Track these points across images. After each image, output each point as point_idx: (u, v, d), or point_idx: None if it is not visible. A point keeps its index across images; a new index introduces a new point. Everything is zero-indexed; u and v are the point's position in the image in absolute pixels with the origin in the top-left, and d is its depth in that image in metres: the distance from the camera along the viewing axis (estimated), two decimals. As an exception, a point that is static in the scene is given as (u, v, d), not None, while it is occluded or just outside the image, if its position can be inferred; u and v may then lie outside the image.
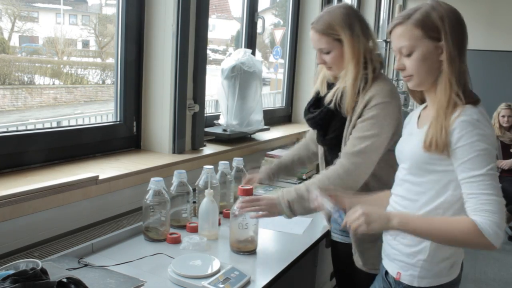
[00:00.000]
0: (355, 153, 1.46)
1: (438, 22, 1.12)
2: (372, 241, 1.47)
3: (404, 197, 1.22)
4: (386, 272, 1.27)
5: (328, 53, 1.54)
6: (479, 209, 1.05)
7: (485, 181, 1.08)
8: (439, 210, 1.15)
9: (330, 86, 1.64)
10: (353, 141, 1.48)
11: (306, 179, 2.30)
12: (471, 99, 1.13)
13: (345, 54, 1.50)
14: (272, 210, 1.43)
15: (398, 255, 1.22)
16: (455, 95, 1.13)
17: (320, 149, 1.76)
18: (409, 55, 1.16)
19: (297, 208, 1.43)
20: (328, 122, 1.61)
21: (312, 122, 1.69)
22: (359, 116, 1.49)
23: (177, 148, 2.03)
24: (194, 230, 1.61)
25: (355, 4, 4.80)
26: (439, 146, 1.10)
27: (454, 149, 1.09)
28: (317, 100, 1.69)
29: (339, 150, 1.55)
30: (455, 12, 1.15)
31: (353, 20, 1.51)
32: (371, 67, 1.51)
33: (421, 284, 1.18)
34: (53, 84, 2.64)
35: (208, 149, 2.20)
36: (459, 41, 1.13)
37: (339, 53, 1.52)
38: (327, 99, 1.58)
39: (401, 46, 1.16)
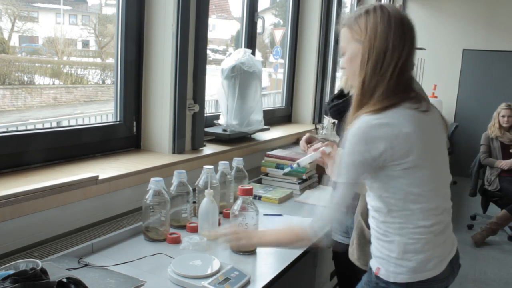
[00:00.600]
0: None
1: (363, 26, 1.18)
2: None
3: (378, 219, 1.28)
4: (370, 268, 1.30)
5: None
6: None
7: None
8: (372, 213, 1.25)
9: None
10: None
11: (306, 180, 2.30)
12: (377, 106, 1.15)
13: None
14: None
15: (377, 252, 1.25)
16: (363, 97, 1.18)
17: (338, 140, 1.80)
18: (344, 55, 1.25)
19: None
20: None
21: (335, 110, 1.72)
22: None
23: (177, 148, 2.03)
24: (194, 230, 1.61)
25: (354, 4, 4.80)
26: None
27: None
28: (341, 95, 1.72)
29: None
30: (392, 19, 1.16)
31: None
32: None
33: (397, 279, 1.19)
34: (53, 84, 2.64)
35: (208, 149, 2.20)
36: (380, 46, 1.15)
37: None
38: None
39: (340, 46, 1.26)
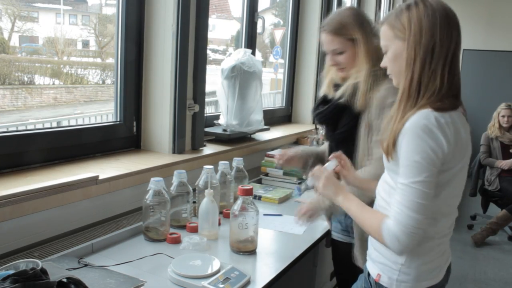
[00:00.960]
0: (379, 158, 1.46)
1: (406, 23, 1.11)
2: None
3: (383, 198, 1.22)
4: (369, 274, 1.27)
5: (341, 53, 1.57)
6: (392, 215, 1.08)
7: (404, 192, 1.07)
8: None
9: (337, 88, 1.65)
10: (376, 144, 1.48)
11: (306, 179, 2.30)
12: (437, 105, 1.08)
13: (359, 52, 1.54)
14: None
15: (379, 257, 1.21)
16: (410, 97, 1.11)
17: (327, 145, 1.79)
18: (386, 53, 1.19)
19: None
20: (338, 117, 1.63)
21: (321, 117, 1.71)
22: (375, 117, 1.49)
23: (177, 148, 2.03)
24: (194, 230, 1.61)
25: (355, 4, 4.81)
26: (389, 151, 1.11)
27: (399, 153, 1.09)
28: (325, 100, 1.71)
29: (347, 145, 1.56)
30: (436, 13, 1.10)
31: (363, 20, 1.57)
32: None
33: (400, 287, 1.17)
34: (53, 84, 2.64)
35: (208, 149, 2.20)
36: (427, 43, 1.09)
37: (352, 53, 1.56)
38: (338, 94, 1.60)
39: (381, 44, 1.20)
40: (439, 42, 1.08)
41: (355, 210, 1.21)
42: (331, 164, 1.40)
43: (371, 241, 1.26)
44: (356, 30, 1.54)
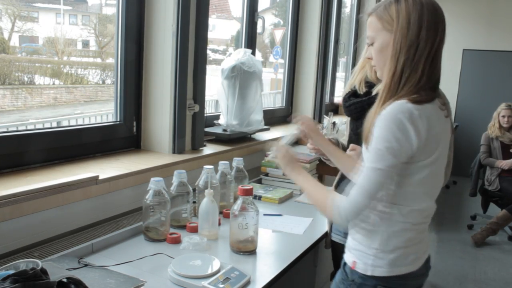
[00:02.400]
0: None
1: (394, 15, 1.13)
2: None
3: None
4: (345, 264, 1.28)
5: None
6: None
7: (362, 173, 1.12)
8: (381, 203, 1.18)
9: (370, 86, 1.64)
10: None
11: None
12: (413, 97, 1.10)
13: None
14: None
15: (355, 245, 1.23)
16: (391, 89, 1.13)
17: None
18: (372, 44, 1.20)
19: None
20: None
21: (357, 106, 1.66)
22: None
23: (177, 148, 2.03)
24: (194, 230, 1.61)
25: (355, 4, 4.81)
26: (367, 139, 1.14)
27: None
28: (355, 94, 1.69)
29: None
30: (425, 7, 1.12)
31: None
32: None
33: (374, 273, 1.18)
34: (53, 84, 2.63)
35: (208, 149, 2.20)
36: (413, 36, 1.11)
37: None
38: (375, 90, 1.58)
39: (367, 35, 1.21)
40: (425, 36, 1.11)
41: (306, 185, 1.28)
42: (286, 138, 1.47)
43: (349, 232, 1.28)
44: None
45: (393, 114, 1.08)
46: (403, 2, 1.13)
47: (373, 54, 1.20)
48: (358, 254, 1.22)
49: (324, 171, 2.57)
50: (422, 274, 1.24)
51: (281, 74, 3.80)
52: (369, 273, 1.19)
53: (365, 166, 1.11)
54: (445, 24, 1.16)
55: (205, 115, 2.26)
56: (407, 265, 1.19)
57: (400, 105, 1.08)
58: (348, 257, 1.26)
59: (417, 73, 1.11)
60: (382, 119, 1.09)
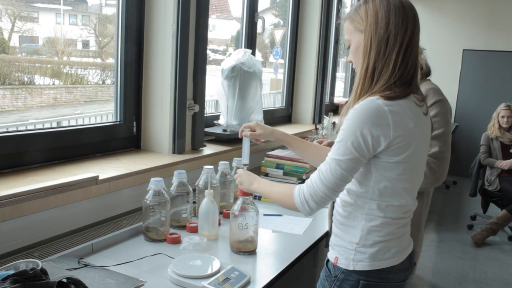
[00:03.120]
0: (436, 155, 1.50)
1: (363, 15, 1.18)
2: None
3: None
4: (327, 261, 1.29)
5: None
6: (309, 178, 1.18)
7: (326, 164, 1.15)
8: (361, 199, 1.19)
9: None
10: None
11: (306, 179, 2.30)
12: (385, 93, 1.12)
13: None
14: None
15: (337, 241, 1.25)
16: (365, 85, 1.16)
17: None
18: (349, 47, 1.25)
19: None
20: None
21: None
22: None
23: (177, 148, 2.03)
24: (194, 230, 1.61)
25: (355, 4, 4.80)
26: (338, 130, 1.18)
27: None
28: None
29: None
30: (391, 4, 1.16)
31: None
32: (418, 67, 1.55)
33: (356, 267, 1.19)
34: (53, 84, 2.64)
35: (208, 149, 2.20)
36: (382, 32, 1.14)
37: None
38: None
39: (345, 39, 1.26)
40: (393, 31, 1.14)
41: (268, 188, 1.34)
42: (240, 160, 1.55)
43: (332, 229, 1.29)
44: None
45: (363, 110, 1.10)
46: (371, 2, 1.18)
47: (351, 55, 1.25)
48: (340, 250, 1.23)
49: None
50: (405, 268, 1.24)
51: (281, 74, 3.80)
52: (351, 268, 1.20)
53: (329, 157, 1.15)
54: (415, 18, 1.18)
55: (205, 115, 2.26)
56: (388, 258, 1.20)
57: (370, 101, 1.11)
58: (331, 254, 1.28)
59: (389, 67, 1.14)
60: (352, 114, 1.11)
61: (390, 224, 1.19)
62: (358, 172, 1.17)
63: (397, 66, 1.14)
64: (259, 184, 1.38)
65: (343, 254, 1.22)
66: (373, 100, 1.11)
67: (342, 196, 1.23)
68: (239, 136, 1.54)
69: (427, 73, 1.66)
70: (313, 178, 1.17)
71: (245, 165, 1.53)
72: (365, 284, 1.19)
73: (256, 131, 1.53)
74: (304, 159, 1.57)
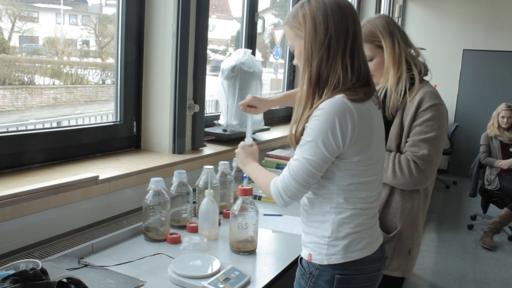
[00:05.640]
0: (424, 157, 1.50)
1: (301, 21, 1.16)
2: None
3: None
4: (301, 259, 1.30)
5: (371, 60, 1.58)
6: (281, 175, 1.20)
7: (296, 162, 1.16)
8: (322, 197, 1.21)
9: None
10: (417, 143, 1.52)
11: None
12: (349, 95, 1.12)
13: (388, 58, 1.55)
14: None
15: (309, 238, 1.25)
16: (311, 95, 1.16)
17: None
18: (293, 52, 1.24)
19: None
20: None
21: None
22: (413, 119, 1.52)
23: (177, 148, 2.03)
24: (194, 230, 1.61)
25: (355, 4, 4.80)
26: (296, 139, 1.18)
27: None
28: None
29: None
30: (327, 7, 1.13)
31: (393, 28, 1.58)
32: (416, 70, 1.56)
33: (330, 261, 1.20)
34: (53, 84, 2.64)
35: (208, 149, 2.20)
36: (322, 37, 1.12)
37: (381, 60, 1.58)
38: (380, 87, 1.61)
39: (289, 45, 1.25)
40: (334, 35, 1.12)
41: (254, 176, 1.35)
42: (247, 134, 1.56)
43: (302, 228, 1.30)
44: (385, 37, 1.55)
45: (330, 108, 1.10)
46: (307, 6, 1.15)
47: (296, 61, 1.24)
48: (313, 246, 1.24)
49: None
50: (378, 258, 1.25)
51: (281, 74, 3.80)
52: (325, 263, 1.21)
53: (299, 154, 1.15)
54: (355, 17, 1.16)
55: (205, 115, 2.26)
56: (361, 249, 1.21)
57: (337, 100, 1.11)
58: (304, 252, 1.28)
59: (336, 72, 1.13)
60: (320, 112, 1.11)
61: (360, 215, 1.20)
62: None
63: (347, 69, 1.13)
64: (249, 168, 1.40)
65: (316, 250, 1.23)
66: (339, 99, 1.11)
67: (309, 196, 1.24)
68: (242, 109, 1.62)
69: (424, 73, 1.67)
70: (285, 174, 1.19)
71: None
72: (340, 279, 1.20)
73: (256, 107, 1.62)
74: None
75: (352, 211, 1.19)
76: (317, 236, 1.22)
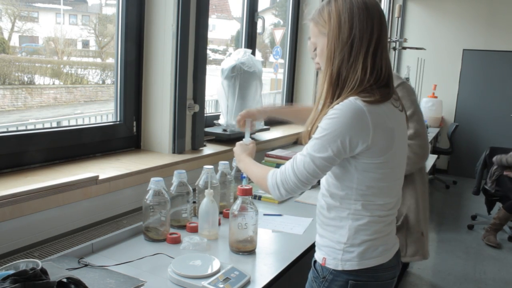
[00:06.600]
0: (412, 135, 1.57)
1: (326, 18, 1.14)
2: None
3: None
4: (315, 262, 1.29)
5: None
6: (283, 167, 1.20)
7: (301, 158, 1.16)
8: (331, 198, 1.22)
9: None
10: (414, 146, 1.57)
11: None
12: (365, 97, 1.10)
13: None
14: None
15: (324, 241, 1.24)
16: (330, 92, 1.15)
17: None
18: (315, 50, 1.22)
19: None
20: None
21: None
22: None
23: (177, 148, 2.03)
24: (194, 230, 1.61)
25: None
26: (305, 138, 1.19)
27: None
28: None
29: None
30: (354, 6, 1.11)
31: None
32: None
33: (345, 267, 1.19)
34: (53, 84, 2.64)
35: (208, 149, 2.20)
36: (345, 36, 1.11)
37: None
38: None
39: (312, 42, 1.23)
40: (358, 34, 1.10)
41: (249, 169, 1.38)
42: (246, 136, 1.61)
43: (317, 230, 1.29)
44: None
45: (343, 112, 1.08)
46: (333, 3, 1.14)
47: (318, 59, 1.22)
48: (327, 250, 1.23)
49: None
50: (392, 266, 1.24)
51: (281, 74, 3.80)
52: (339, 268, 1.20)
53: (306, 150, 1.14)
54: (382, 18, 1.14)
55: (205, 115, 2.26)
56: (377, 257, 1.20)
57: (351, 103, 1.09)
58: (318, 255, 1.27)
59: (356, 73, 1.11)
60: (333, 114, 1.09)
61: (377, 222, 1.19)
62: (341, 175, 1.17)
63: (367, 70, 1.11)
64: (243, 164, 1.44)
65: (331, 255, 1.21)
66: (354, 102, 1.09)
67: (326, 199, 1.22)
68: (237, 127, 1.64)
69: None
70: (287, 167, 1.18)
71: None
72: (354, 284, 1.19)
73: (254, 117, 1.63)
74: (298, 124, 1.62)
75: (369, 218, 1.18)
76: (332, 241, 1.21)
